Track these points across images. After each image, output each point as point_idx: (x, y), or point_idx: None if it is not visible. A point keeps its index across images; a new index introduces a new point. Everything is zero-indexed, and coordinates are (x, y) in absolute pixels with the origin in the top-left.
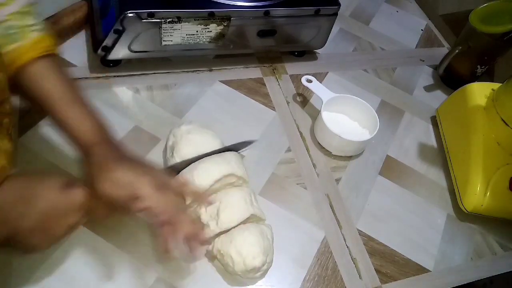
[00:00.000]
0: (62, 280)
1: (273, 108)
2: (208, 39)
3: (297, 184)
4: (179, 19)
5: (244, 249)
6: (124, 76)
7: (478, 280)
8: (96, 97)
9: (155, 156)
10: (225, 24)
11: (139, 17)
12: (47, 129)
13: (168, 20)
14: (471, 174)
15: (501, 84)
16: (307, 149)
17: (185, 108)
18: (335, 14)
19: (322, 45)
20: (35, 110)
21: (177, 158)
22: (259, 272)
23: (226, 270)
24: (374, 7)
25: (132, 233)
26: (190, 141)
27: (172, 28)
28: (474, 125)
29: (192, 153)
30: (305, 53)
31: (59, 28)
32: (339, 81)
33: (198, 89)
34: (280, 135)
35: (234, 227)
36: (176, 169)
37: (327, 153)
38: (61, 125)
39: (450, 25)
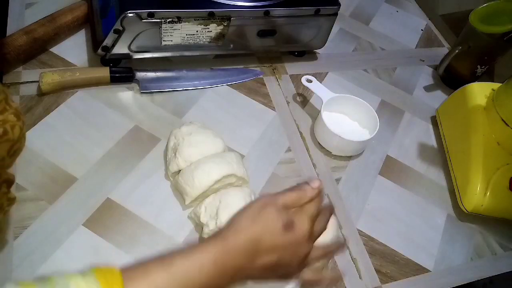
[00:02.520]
0: None
1: (273, 108)
2: (208, 39)
3: (297, 184)
4: (179, 19)
5: None
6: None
7: (478, 280)
8: (96, 97)
9: (155, 156)
10: (225, 24)
11: (139, 17)
12: (46, 129)
13: (168, 20)
14: (471, 174)
15: (501, 84)
16: (307, 149)
17: (185, 108)
18: (335, 14)
19: (322, 45)
20: None
21: (180, 159)
22: None
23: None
24: (374, 7)
25: (132, 233)
26: (192, 142)
27: (172, 28)
28: (474, 125)
29: (195, 154)
30: (305, 53)
31: (56, 26)
32: (339, 81)
33: (198, 89)
34: (280, 135)
35: None
36: None
37: (327, 153)
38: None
39: (450, 25)
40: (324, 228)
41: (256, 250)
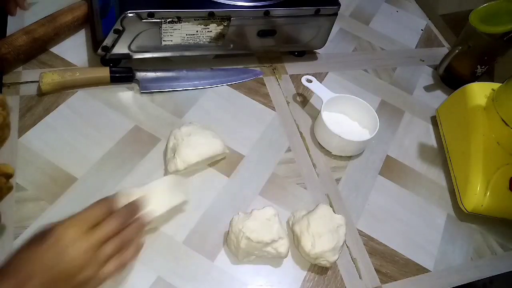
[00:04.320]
0: None
1: (273, 108)
2: (208, 39)
3: (297, 184)
4: (179, 19)
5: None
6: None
7: (478, 280)
8: (96, 97)
9: (155, 156)
10: (225, 24)
11: (139, 17)
12: (46, 129)
13: (168, 20)
14: (471, 174)
15: (501, 84)
16: (307, 149)
17: (185, 108)
18: (335, 14)
19: (322, 45)
20: None
21: (179, 160)
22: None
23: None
24: (374, 7)
25: None
26: (191, 143)
27: (172, 28)
28: (474, 125)
29: (193, 155)
30: (305, 53)
31: (56, 26)
32: (339, 81)
33: (198, 89)
34: (280, 135)
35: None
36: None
37: (327, 153)
38: None
39: (450, 25)
40: (118, 245)
41: (17, 274)
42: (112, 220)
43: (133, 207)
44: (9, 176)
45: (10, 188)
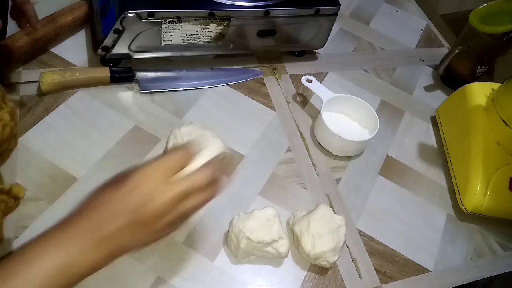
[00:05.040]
0: None
1: (273, 108)
2: (208, 39)
3: (297, 184)
4: (179, 19)
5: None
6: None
7: (478, 280)
8: (96, 97)
9: (154, 156)
10: (225, 24)
11: (139, 17)
12: (46, 129)
13: (168, 20)
14: (471, 174)
15: (501, 84)
16: (307, 149)
17: (185, 108)
18: (335, 14)
19: (322, 45)
20: None
21: None
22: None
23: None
24: (374, 7)
25: None
26: None
27: (172, 28)
28: (474, 125)
29: None
30: (305, 53)
31: (56, 27)
32: (339, 81)
33: (198, 89)
34: (280, 135)
35: None
36: None
37: (327, 153)
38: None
39: (450, 25)
40: (203, 175)
41: (99, 213)
42: (202, 174)
43: (217, 166)
44: (18, 199)
45: (17, 205)
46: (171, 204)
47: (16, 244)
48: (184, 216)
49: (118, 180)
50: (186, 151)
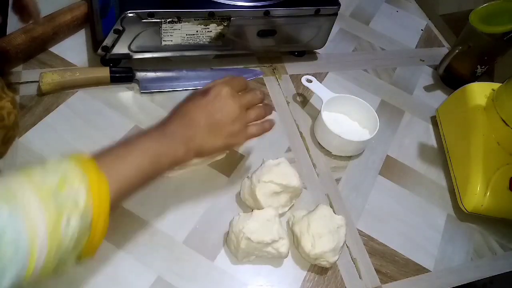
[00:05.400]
0: (62, 281)
1: (273, 108)
2: (208, 39)
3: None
4: (179, 19)
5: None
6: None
7: (478, 280)
8: (96, 97)
9: None
10: (225, 24)
11: (139, 17)
12: (46, 129)
13: (168, 20)
14: (471, 174)
15: (501, 84)
16: (307, 149)
17: None
18: (335, 14)
19: (322, 45)
20: None
21: None
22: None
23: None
24: (374, 7)
25: (132, 233)
26: None
27: (172, 28)
28: (474, 125)
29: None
30: (305, 53)
31: (55, 26)
32: (339, 81)
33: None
34: (280, 135)
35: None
36: None
37: (327, 153)
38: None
39: (450, 25)
40: (257, 96)
41: (187, 117)
42: (256, 93)
43: (263, 94)
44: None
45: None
46: (238, 112)
47: None
48: (245, 132)
49: (202, 92)
50: (243, 78)
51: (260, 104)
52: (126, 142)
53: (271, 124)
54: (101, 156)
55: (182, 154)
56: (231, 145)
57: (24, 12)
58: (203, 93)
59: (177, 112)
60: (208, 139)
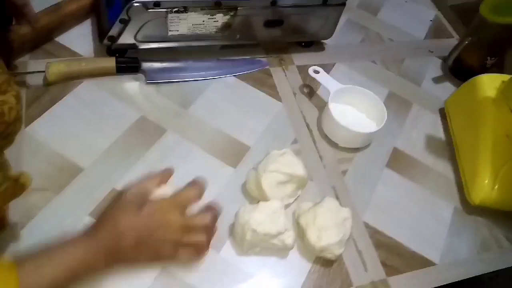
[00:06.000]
0: None
1: (279, 99)
2: (214, 29)
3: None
4: (185, 9)
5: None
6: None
7: (484, 274)
8: (102, 87)
9: (161, 147)
10: (231, 14)
11: (145, 6)
12: (53, 119)
13: (174, 9)
14: (480, 167)
15: (511, 76)
16: (314, 141)
17: (191, 98)
18: (343, 4)
19: (329, 35)
20: None
21: None
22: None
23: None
24: None
25: None
26: None
27: (178, 18)
28: (483, 118)
29: None
30: (312, 44)
31: (61, 15)
32: (346, 72)
33: (205, 79)
34: (286, 126)
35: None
36: None
37: (334, 145)
38: None
39: (459, 15)
40: (204, 220)
41: (117, 229)
42: (205, 217)
43: (216, 212)
44: (24, 186)
45: (22, 192)
46: (177, 233)
47: (24, 233)
48: (174, 256)
49: (138, 204)
50: (198, 190)
51: (208, 224)
52: (50, 248)
53: (206, 249)
54: (23, 263)
55: (103, 266)
56: (155, 265)
57: (23, 20)
58: (139, 206)
59: (108, 220)
60: (133, 254)
